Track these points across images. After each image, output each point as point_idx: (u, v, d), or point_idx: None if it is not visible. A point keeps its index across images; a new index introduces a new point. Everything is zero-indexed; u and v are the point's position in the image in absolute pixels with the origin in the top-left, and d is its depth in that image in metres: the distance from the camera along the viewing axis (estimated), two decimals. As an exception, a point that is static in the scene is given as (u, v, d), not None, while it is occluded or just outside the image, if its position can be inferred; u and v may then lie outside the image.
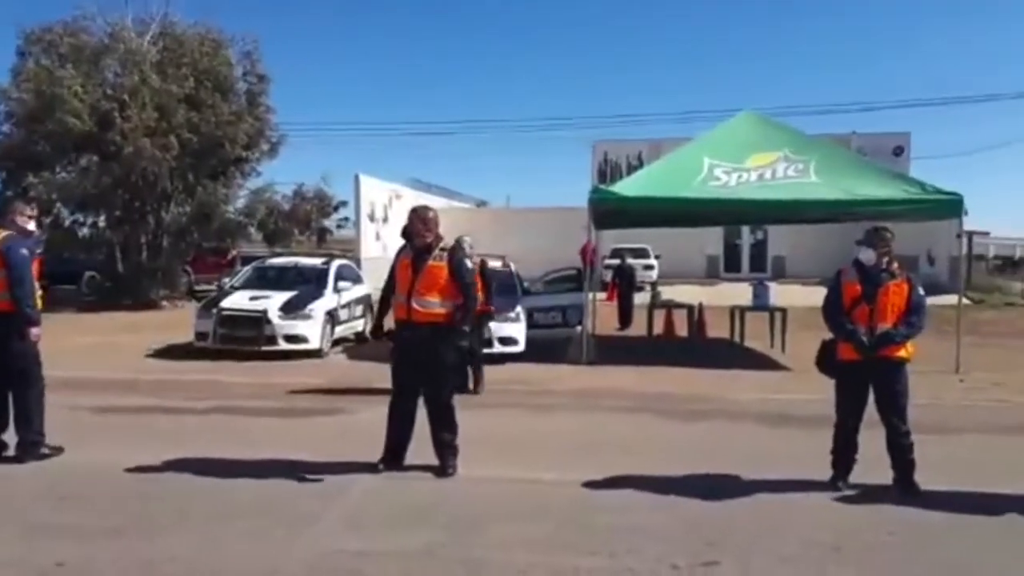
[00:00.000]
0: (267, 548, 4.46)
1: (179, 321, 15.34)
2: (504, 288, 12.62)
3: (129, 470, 5.85)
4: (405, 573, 4.19)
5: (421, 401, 5.96)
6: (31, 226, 6.42)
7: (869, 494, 5.43)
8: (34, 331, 6.09)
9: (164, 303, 20.78)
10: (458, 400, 6.08)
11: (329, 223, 49.21)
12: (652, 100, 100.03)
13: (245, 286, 13.63)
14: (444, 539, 4.60)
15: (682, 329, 15.11)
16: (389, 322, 6.12)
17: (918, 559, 4.38)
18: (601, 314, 15.32)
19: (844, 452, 5.65)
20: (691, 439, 7.35)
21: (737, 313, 14.59)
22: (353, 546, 4.51)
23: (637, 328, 15.88)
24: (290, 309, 12.34)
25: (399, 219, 6.40)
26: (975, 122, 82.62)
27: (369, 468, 5.82)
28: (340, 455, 6.21)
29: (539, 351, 11.90)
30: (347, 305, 13.57)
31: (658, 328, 15.09)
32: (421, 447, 5.92)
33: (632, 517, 4.97)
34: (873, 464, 5.56)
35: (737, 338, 14.44)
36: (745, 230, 31.64)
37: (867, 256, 5.65)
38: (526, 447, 6.93)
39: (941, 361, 10.74)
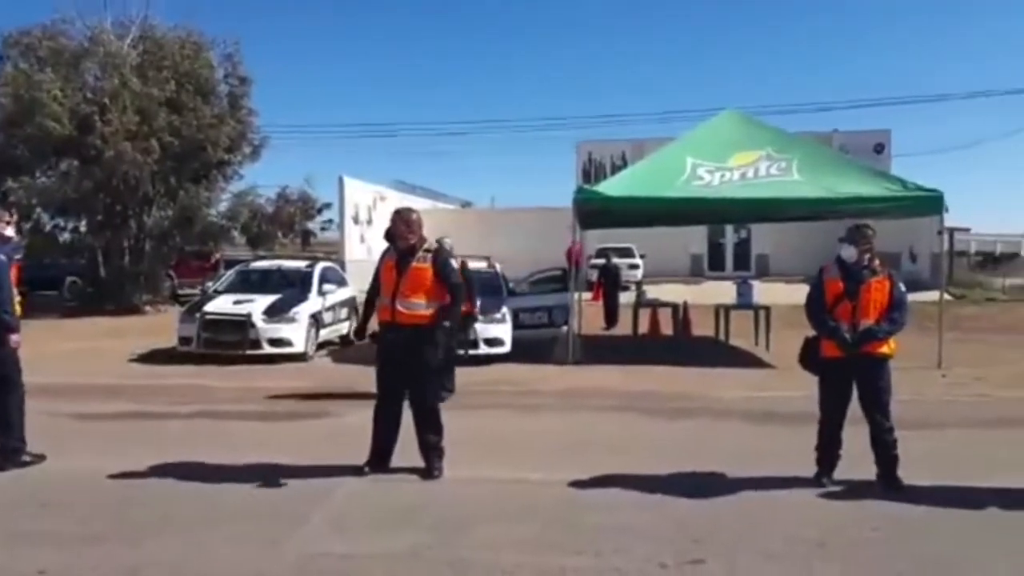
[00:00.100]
0: (252, 552, 4.44)
1: (162, 326, 15.23)
2: (490, 289, 12.62)
3: (112, 476, 5.79)
4: (391, 575, 4.18)
5: (407, 403, 5.95)
6: (9, 232, 6.35)
7: (853, 490, 5.46)
8: (13, 337, 6.04)
9: (147, 308, 20.60)
10: (444, 401, 6.06)
11: (313, 225, 49.14)
12: (635, 100, 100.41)
13: (229, 290, 13.57)
14: (430, 541, 4.59)
15: (667, 328, 15.15)
16: (374, 325, 6.10)
17: (902, 554, 4.41)
18: (587, 314, 15.35)
19: (828, 448, 5.68)
20: (677, 437, 7.37)
21: (722, 312, 14.66)
22: (339, 549, 4.49)
23: (623, 327, 15.93)
24: (274, 312, 12.28)
25: (383, 221, 6.38)
26: (955, 119, 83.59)
27: (355, 471, 5.80)
28: (325, 458, 6.18)
29: (525, 351, 11.91)
30: (332, 308, 13.52)
31: (643, 327, 15.13)
32: (407, 449, 5.91)
33: (618, 516, 4.97)
34: (857, 460, 5.60)
35: (722, 336, 14.50)
36: (729, 229, 31.76)
37: (849, 253, 5.68)
38: (512, 447, 6.92)
39: (923, 357, 10.82)
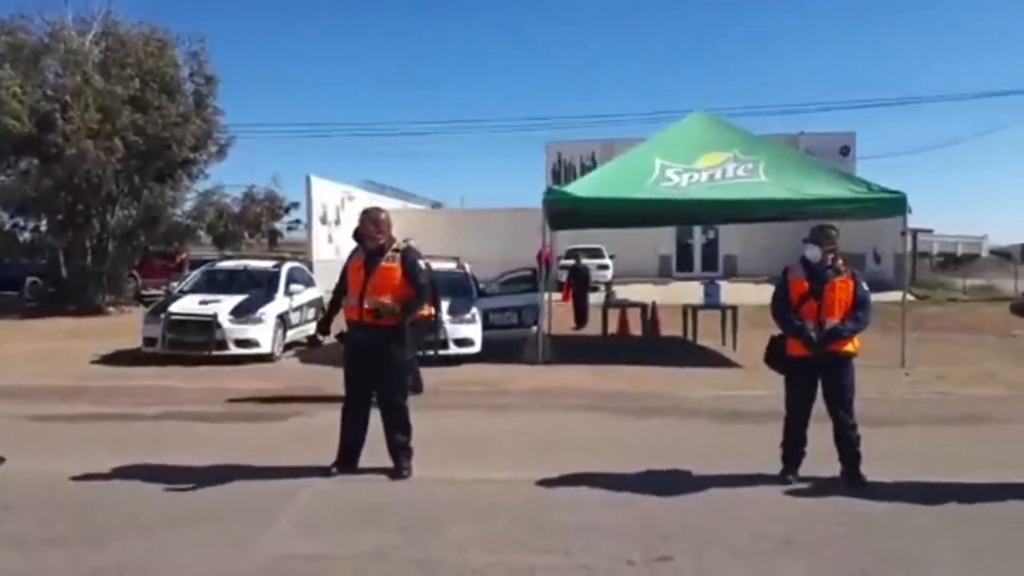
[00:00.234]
0: (219, 553, 4.39)
1: (126, 327, 15.00)
2: (459, 289, 12.62)
3: (75, 478, 5.69)
4: (359, 575, 4.16)
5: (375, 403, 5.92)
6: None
7: (818, 487, 5.54)
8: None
9: (110, 308, 20.27)
10: (412, 401, 6.04)
11: (280, 225, 48.73)
12: (611, 102, 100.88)
13: (194, 290, 13.39)
14: (399, 541, 4.57)
15: (636, 328, 15.25)
16: (342, 325, 6.06)
17: (866, 550, 4.47)
18: (557, 314, 15.39)
19: (793, 446, 5.75)
20: (645, 436, 7.41)
21: (689, 312, 14.77)
22: (307, 550, 4.46)
23: (592, 327, 15.99)
24: (241, 313, 12.15)
25: (352, 221, 6.34)
26: (924, 121, 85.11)
27: (322, 472, 5.76)
28: (292, 459, 6.13)
29: (495, 352, 11.91)
30: (299, 308, 13.41)
31: (613, 327, 15.21)
32: (375, 449, 5.88)
33: (587, 514, 4.99)
34: (822, 457, 5.68)
35: (690, 336, 14.61)
36: (697, 230, 32.02)
37: (813, 253, 5.76)
38: (481, 447, 6.92)
39: (887, 356, 11.00)
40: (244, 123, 53.25)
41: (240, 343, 11.96)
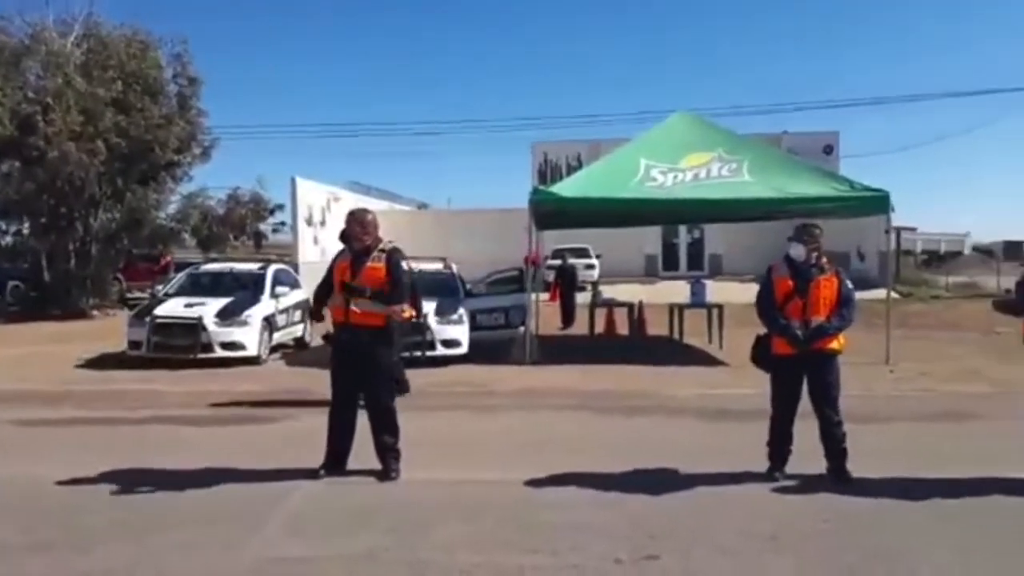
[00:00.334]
0: (208, 557, 4.37)
1: (111, 330, 14.91)
2: (446, 290, 12.62)
3: (60, 483, 5.65)
4: (348, 578, 4.15)
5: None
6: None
7: (804, 484, 5.57)
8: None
9: (95, 312, 20.15)
10: (399, 402, 6.04)
11: (265, 227, 48.37)
12: (597, 102, 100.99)
13: (179, 293, 13.32)
14: (388, 543, 4.57)
15: (623, 327, 15.30)
16: (328, 327, 6.05)
17: (852, 546, 4.51)
18: (544, 314, 15.41)
19: (780, 444, 5.79)
20: (632, 436, 7.43)
21: (676, 311, 14.83)
22: (295, 553, 4.45)
23: (579, 327, 16.02)
24: (226, 316, 12.10)
25: (338, 222, 6.34)
26: (901, 122, 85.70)
27: (310, 474, 5.74)
28: (280, 462, 6.11)
29: (482, 352, 11.91)
30: (285, 311, 13.37)
31: (600, 327, 15.25)
32: (363, 451, 5.87)
33: (575, 514, 5.00)
34: (808, 454, 5.71)
35: (676, 335, 14.67)
36: (682, 229, 32.10)
37: (797, 252, 5.79)
38: (469, 448, 6.92)
39: (872, 353, 11.09)
40: (229, 124, 52.94)
41: (226, 346, 11.91)
